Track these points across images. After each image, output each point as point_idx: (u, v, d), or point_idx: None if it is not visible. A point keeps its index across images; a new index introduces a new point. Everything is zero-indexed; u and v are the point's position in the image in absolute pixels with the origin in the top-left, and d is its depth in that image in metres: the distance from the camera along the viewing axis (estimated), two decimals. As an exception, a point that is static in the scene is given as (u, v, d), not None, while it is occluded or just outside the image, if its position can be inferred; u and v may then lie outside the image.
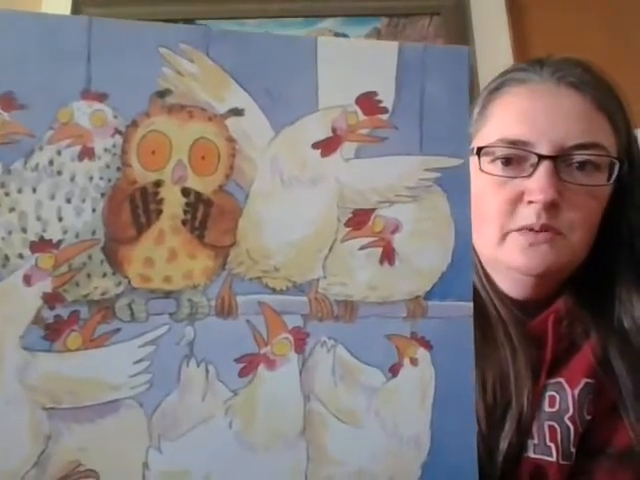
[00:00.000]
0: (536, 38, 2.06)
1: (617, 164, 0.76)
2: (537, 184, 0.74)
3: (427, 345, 0.40)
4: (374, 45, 0.42)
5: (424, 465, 0.39)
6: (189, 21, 2.09)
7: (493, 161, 0.78)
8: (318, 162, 0.39)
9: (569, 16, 2.03)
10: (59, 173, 0.35)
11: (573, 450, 0.72)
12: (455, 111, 0.42)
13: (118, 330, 0.35)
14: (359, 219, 0.40)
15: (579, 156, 0.76)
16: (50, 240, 0.34)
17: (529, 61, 0.86)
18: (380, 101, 0.40)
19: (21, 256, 0.34)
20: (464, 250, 0.41)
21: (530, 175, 0.75)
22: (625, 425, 0.73)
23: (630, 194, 0.80)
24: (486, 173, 0.77)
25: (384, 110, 0.40)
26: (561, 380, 0.76)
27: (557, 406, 0.75)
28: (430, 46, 0.42)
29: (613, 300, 0.81)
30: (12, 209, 0.34)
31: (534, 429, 0.74)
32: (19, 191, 0.34)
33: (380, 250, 0.40)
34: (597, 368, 0.76)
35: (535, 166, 0.75)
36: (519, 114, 0.80)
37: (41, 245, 0.34)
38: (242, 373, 0.37)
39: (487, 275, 0.83)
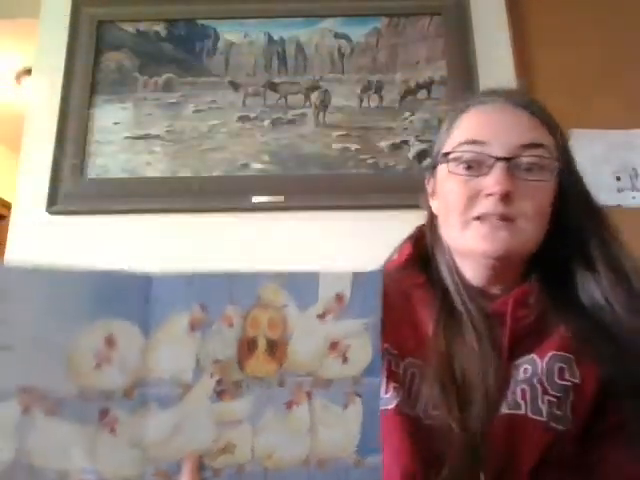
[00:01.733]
0: (536, 38, 2.13)
1: (557, 164, 0.91)
2: (494, 179, 0.87)
3: None
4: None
5: None
6: (189, 21, 2.22)
7: (457, 165, 0.92)
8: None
9: (568, 16, 2.11)
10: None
11: (542, 406, 0.82)
12: (370, 315, 0.75)
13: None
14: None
15: (527, 158, 0.87)
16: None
17: (488, 90, 1.04)
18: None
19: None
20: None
21: (487, 174, 0.88)
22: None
23: (569, 193, 0.94)
24: (453, 174, 0.92)
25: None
26: (533, 355, 0.88)
27: (529, 374, 0.86)
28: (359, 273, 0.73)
29: (574, 282, 0.93)
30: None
31: (508, 394, 0.85)
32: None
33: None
34: (570, 343, 0.87)
35: (491, 166, 0.88)
36: (478, 123, 0.93)
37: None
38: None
39: (457, 267, 0.95)
